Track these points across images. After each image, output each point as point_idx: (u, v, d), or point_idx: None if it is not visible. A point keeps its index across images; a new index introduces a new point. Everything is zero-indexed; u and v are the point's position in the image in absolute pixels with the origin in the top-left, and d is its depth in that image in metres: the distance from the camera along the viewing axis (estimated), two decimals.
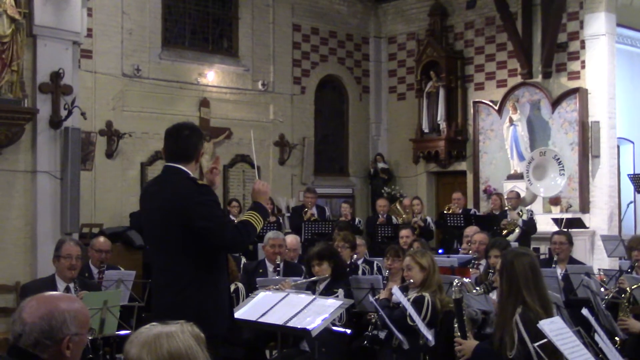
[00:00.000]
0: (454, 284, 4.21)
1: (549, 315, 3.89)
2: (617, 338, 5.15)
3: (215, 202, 4.27)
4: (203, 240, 4.13)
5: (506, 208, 11.32)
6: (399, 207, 12.54)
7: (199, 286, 4.19)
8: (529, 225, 11.00)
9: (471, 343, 4.10)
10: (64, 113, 8.34)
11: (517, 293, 3.95)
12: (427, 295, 5.50)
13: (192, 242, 4.17)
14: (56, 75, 8.32)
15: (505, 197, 11.78)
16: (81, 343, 2.65)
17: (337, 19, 15.56)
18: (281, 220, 12.29)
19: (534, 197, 12.39)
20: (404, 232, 9.20)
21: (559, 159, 12.25)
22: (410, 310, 5.21)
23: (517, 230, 10.87)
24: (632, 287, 5.44)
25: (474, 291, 4.46)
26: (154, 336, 2.43)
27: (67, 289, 5.76)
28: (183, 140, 4.28)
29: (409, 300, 5.37)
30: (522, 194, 12.06)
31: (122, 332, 5.77)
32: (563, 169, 12.22)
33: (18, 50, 7.78)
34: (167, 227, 4.17)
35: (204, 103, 13.30)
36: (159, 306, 4.18)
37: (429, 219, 12.43)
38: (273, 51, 14.42)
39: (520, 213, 11.02)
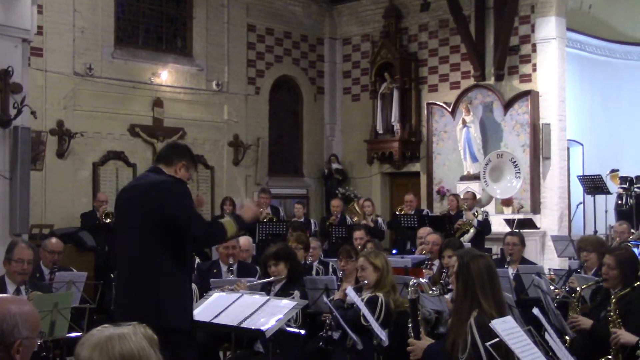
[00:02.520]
0: (410, 284, 4.22)
1: None
2: (566, 337, 5.23)
3: (188, 195, 4.45)
4: (172, 230, 4.24)
5: (462, 209, 11.44)
6: (356, 207, 12.57)
7: (172, 281, 4.32)
8: (484, 226, 11.13)
9: (422, 343, 4.12)
10: (13, 112, 8.18)
11: (472, 296, 3.96)
12: (380, 296, 5.52)
13: (166, 235, 4.27)
14: (5, 73, 8.15)
15: (462, 197, 11.90)
16: (31, 347, 2.61)
17: (292, 20, 15.55)
18: None
19: (490, 198, 12.56)
20: (357, 234, 9.20)
21: (515, 161, 12.43)
22: (364, 310, 5.23)
23: (471, 230, 11.00)
24: (582, 287, 5.54)
25: (430, 292, 4.48)
26: (106, 338, 2.41)
27: (18, 291, 5.66)
28: (171, 149, 4.60)
29: (362, 300, 5.39)
30: (478, 195, 12.20)
31: (73, 335, 5.70)
32: (519, 172, 12.41)
33: None
34: (142, 219, 4.25)
35: (158, 103, 13.18)
36: (131, 301, 4.16)
37: (380, 220, 12.48)
38: (227, 51, 14.36)
39: (476, 214, 11.15)
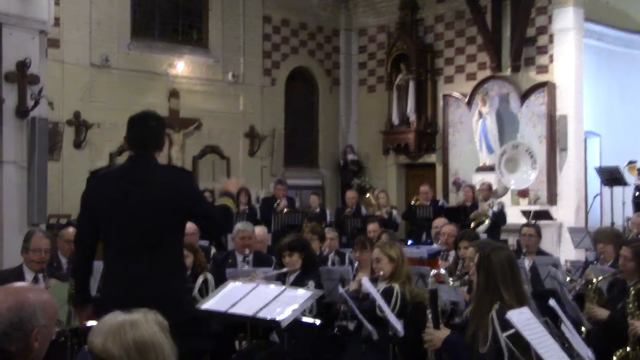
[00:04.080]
0: (431, 274, 4.22)
1: None
2: (583, 328, 5.22)
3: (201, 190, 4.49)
4: (184, 222, 4.30)
5: (478, 200, 11.40)
6: (371, 198, 12.55)
7: (179, 274, 4.35)
8: (499, 217, 11.08)
9: (442, 333, 4.11)
10: (30, 103, 8.22)
11: (494, 288, 3.94)
12: (396, 287, 5.52)
13: (178, 230, 4.29)
14: (22, 65, 8.19)
15: (477, 188, 11.87)
16: (49, 335, 2.63)
17: (308, 11, 15.53)
18: (257, 210, 12.26)
19: (506, 190, 12.51)
20: (371, 226, 9.19)
21: (531, 152, 12.37)
22: (380, 301, 5.23)
23: (486, 221, 10.96)
24: (599, 279, 5.52)
25: (451, 283, 4.48)
26: (118, 325, 2.43)
27: (36, 280, 5.70)
28: (151, 130, 4.31)
29: (378, 291, 5.39)
30: (494, 187, 12.16)
31: (90, 324, 5.73)
32: (535, 163, 12.34)
33: None
34: (156, 214, 4.14)
35: (174, 94, 13.22)
36: (138, 295, 4.06)
37: (394, 212, 12.45)
38: (243, 43, 14.37)
39: (491, 205, 11.11)
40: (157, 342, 2.44)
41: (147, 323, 2.46)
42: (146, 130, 4.29)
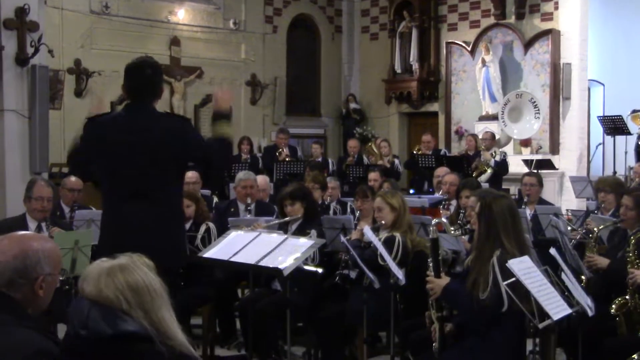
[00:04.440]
0: (432, 223, 4.24)
1: None
2: (582, 277, 5.25)
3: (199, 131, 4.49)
4: (200, 170, 4.55)
5: (480, 149, 11.38)
6: (373, 147, 12.53)
7: (180, 220, 4.45)
8: (501, 167, 11.09)
9: (442, 281, 4.15)
10: (30, 50, 8.16)
11: (495, 236, 3.97)
12: (397, 235, 5.54)
13: (177, 177, 4.36)
14: (21, 11, 8.11)
15: (480, 137, 11.84)
16: (53, 283, 2.65)
17: None
18: (259, 159, 12.27)
19: (508, 139, 12.48)
20: (372, 175, 9.18)
21: (535, 102, 12.31)
22: (382, 249, 5.25)
23: (488, 171, 10.97)
24: (599, 228, 5.53)
25: (451, 232, 4.50)
26: (108, 269, 2.46)
27: (39, 228, 5.72)
28: (147, 79, 4.29)
29: (380, 240, 5.42)
30: (497, 136, 12.13)
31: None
32: (539, 112, 12.29)
33: None
34: (154, 161, 4.17)
35: (175, 42, 13.12)
36: (139, 241, 4.06)
37: (396, 160, 12.45)
38: None
39: (494, 154, 11.10)
40: (150, 283, 2.47)
41: (136, 265, 2.49)
42: (142, 79, 4.27)
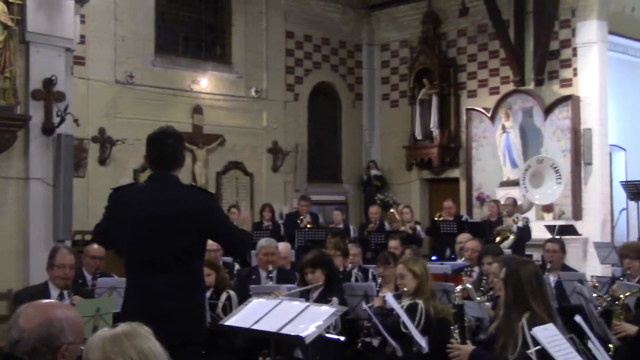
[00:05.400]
0: (457, 290, 4.21)
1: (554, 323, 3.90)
2: (610, 345, 5.16)
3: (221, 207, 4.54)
4: (206, 242, 4.38)
5: (502, 215, 11.33)
6: (395, 213, 12.53)
7: (201, 290, 4.48)
8: (524, 232, 11.01)
9: (468, 348, 4.10)
10: (56, 120, 8.31)
11: (523, 301, 3.96)
12: (420, 303, 5.49)
13: (200, 249, 4.37)
14: (49, 82, 8.30)
15: (502, 203, 11.80)
16: (75, 352, 2.65)
17: (330, 26, 15.58)
18: (280, 226, 12.29)
19: (531, 204, 12.42)
20: (392, 244, 9.15)
21: (556, 167, 12.28)
22: (404, 317, 5.21)
23: (511, 237, 10.89)
24: (625, 295, 5.46)
25: (477, 299, 4.47)
26: (112, 336, 2.44)
27: (61, 296, 5.74)
28: (169, 148, 4.35)
29: (402, 307, 5.37)
30: (519, 202, 12.08)
31: None
32: (560, 178, 12.25)
33: (11, 57, 7.76)
34: (178, 233, 4.19)
35: (197, 110, 13.30)
36: (161, 310, 4.08)
37: (418, 227, 12.42)
38: (266, 58, 14.44)
39: (516, 220, 11.03)
40: (154, 347, 2.45)
41: (139, 332, 2.48)
42: (164, 148, 4.34)
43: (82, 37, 10.78)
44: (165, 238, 4.17)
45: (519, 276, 3.99)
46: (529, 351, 3.68)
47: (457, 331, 4.21)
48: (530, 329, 3.76)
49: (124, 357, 2.39)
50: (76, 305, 5.28)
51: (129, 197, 4.35)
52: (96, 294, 6.45)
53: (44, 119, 8.32)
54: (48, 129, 8.31)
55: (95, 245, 7.29)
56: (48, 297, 5.52)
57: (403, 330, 5.23)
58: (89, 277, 7.05)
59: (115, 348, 2.41)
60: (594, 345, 4.12)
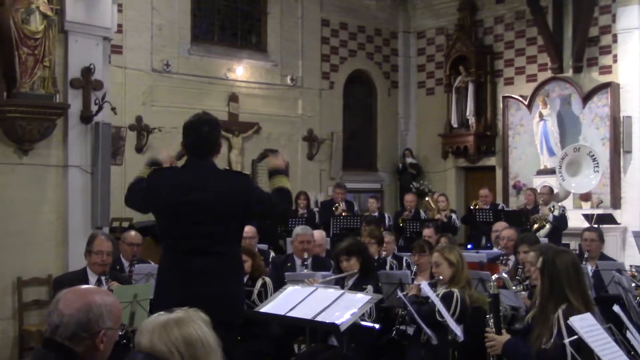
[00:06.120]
0: (492, 279, 4.18)
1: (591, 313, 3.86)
2: None
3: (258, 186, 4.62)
4: (262, 220, 4.44)
5: (538, 203, 11.23)
6: (431, 201, 12.49)
7: (239, 275, 4.53)
8: (560, 221, 10.89)
9: (502, 337, 4.08)
10: (94, 108, 8.40)
11: (559, 292, 3.90)
12: (456, 291, 5.48)
13: (237, 234, 4.43)
14: (87, 71, 8.38)
15: (538, 192, 11.70)
16: (113, 337, 2.69)
17: (366, 14, 15.53)
18: (315, 213, 12.31)
19: (568, 193, 12.29)
20: (426, 232, 9.12)
21: (593, 155, 12.13)
22: (439, 305, 5.20)
23: (547, 225, 10.79)
24: None
25: (513, 288, 4.43)
26: (164, 322, 2.47)
27: (99, 282, 5.82)
28: (205, 136, 4.38)
29: (437, 296, 5.36)
30: (556, 190, 11.96)
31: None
32: (597, 166, 12.09)
33: (50, 46, 7.84)
34: (215, 218, 4.23)
35: (233, 98, 13.35)
36: (200, 292, 4.10)
37: (453, 215, 12.37)
38: (302, 46, 14.43)
39: (552, 208, 10.92)
40: (204, 337, 2.47)
41: (192, 319, 2.50)
42: (200, 136, 4.36)
43: (120, 26, 10.86)
44: (203, 224, 4.21)
45: (556, 266, 3.94)
46: (565, 341, 3.64)
47: (491, 320, 4.18)
48: (565, 320, 3.72)
49: (168, 345, 2.42)
50: (114, 291, 5.35)
51: (166, 183, 4.39)
52: (133, 280, 6.54)
53: (82, 107, 8.41)
54: (86, 117, 8.39)
55: (133, 232, 7.39)
56: (86, 283, 5.60)
57: (438, 318, 5.22)
58: (126, 263, 7.15)
59: (163, 335, 2.44)
60: (633, 335, 4.07)
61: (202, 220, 4.20)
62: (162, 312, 2.54)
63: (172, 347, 2.42)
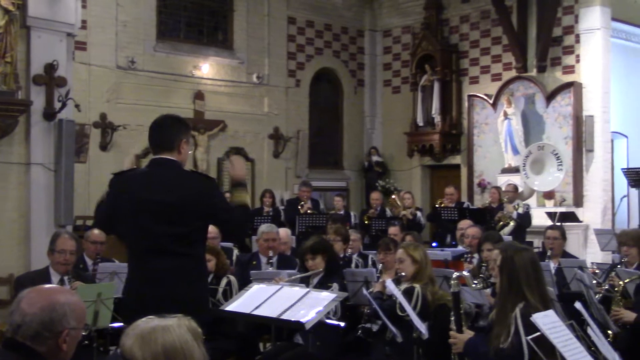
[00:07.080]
0: (453, 277, 4.20)
1: None
2: (609, 331, 5.17)
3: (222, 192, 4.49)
4: (222, 231, 4.60)
5: (503, 201, 11.34)
6: (397, 199, 12.55)
7: (203, 274, 4.48)
8: (524, 219, 11.01)
9: (464, 335, 4.10)
10: (58, 105, 8.32)
11: (517, 289, 3.91)
12: (417, 287, 5.52)
13: (201, 234, 4.35)
14: (50, 67, 8.30)
15: (503, 190, 11.81)
16: (77, 337, 2.66)
17: (333, 12, 15.54)
18: (281, 211, 12.30)
19: (532, 191, 12.42)
20: (392, 230, 9.18)
21: (557, 154, 12.27)
22: (401, 299, 5.22)
23: (511, 223, 10.90)
24: (625, 281, 5.47)
25: (473, 285, 4.44)
26: (150, 329, 2.41)
27: (62, 281, 5.75)
28: (166, 131, 4.34)
29: (400, 291, 5.39)
30: (520, 188, 12.08)
31: (116, 325, 5.77)
32: (561, 164, 12.24)
33: (12, 42, 7.75)
34: (179, 220, 4.18)
35: (199, 96, 13.29)
36: (163, 293, 4.09)
37: (419, 213, 12.44)
38: (268, 44, 14.41)
39: (516, 206, 11.04)
40: (187, 348, 2.41)
41: (180, 329, 2.44)
42: (163, 134, 4.33)
43: (84, 22, 10.77)
44: (167, 225, 4.17)
45: (514, 263, 3.95)
46: (525, 339, 3.68)
47: (452, 319, 4.18)
48: (523, 320, 3.74)
49: (148, 353, 2.37)
50: (77, 291, 5.30)
51: (130, 183, 4.34)
52: (97, 279, 6.48)
53: (45, 104, 8.33)
54: (49, 114, 8.31)
55: (96, 231, 7.30)
56: (49, 282, 5.54)
57: (400, 313, 5.25)
58: (90, 262, 7.07)
59: (144, 343, 2.39)
60: (594, 331, 4.13)
61: (165, 221, 4.17)
62: (153, 317, 2.48)
63: (150, 357, 2.37)
